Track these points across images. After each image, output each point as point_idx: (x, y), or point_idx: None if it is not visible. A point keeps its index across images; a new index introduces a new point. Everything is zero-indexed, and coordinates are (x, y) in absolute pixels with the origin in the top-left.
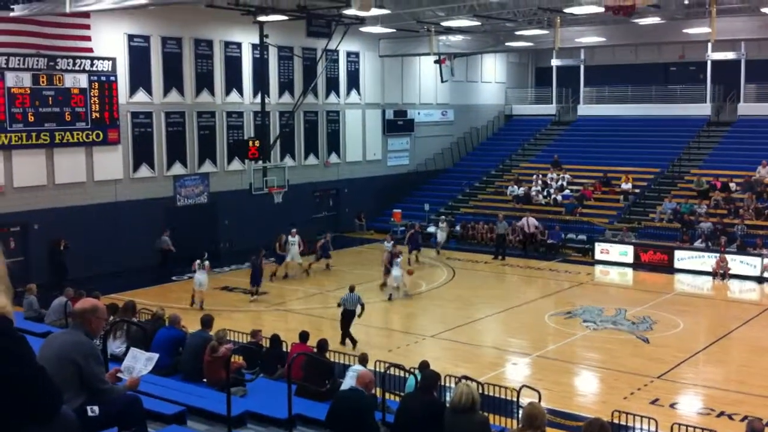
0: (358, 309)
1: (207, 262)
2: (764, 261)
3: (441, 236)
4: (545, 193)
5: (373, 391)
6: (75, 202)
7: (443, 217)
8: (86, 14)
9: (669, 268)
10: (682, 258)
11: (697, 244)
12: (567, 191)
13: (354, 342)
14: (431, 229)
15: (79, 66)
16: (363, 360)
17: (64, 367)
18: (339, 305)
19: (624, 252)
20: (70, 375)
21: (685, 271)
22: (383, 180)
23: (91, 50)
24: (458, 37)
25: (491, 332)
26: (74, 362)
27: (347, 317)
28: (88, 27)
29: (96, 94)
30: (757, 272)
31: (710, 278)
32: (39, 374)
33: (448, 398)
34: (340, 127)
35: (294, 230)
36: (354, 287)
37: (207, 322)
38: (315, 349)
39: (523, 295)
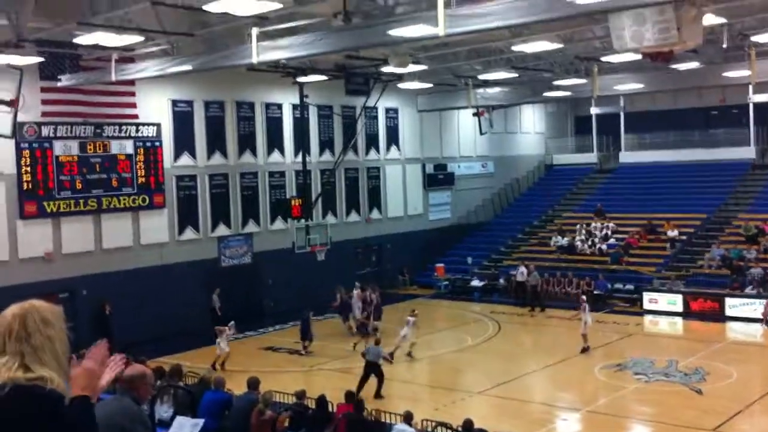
0: (381, 362)
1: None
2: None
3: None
4: (590, 243)
5: None
6: (122, 267)
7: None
8: (131, 82)
9: (720, 316)
10: (733, 305)
11: (748, 290)
12: (612, 240)
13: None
14: (475, 282)
15: (125, 132)
16: (408, 418)
17: None
18: (363, 355)
19: (673, 301)
20: None
21: (737, 318)
22: (425, 234)
23: (136, 116)
24: (496, 89)
25: (539, 387)
26: (123, 429)
27: (369, 369)
28: (133, 94)
29: (141, 159)
30: None
31: (762, 325)
32: None
33: None
34: (380, 182)
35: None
36: (379, 341)
37: (253, 384)
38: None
39: (571, 348)
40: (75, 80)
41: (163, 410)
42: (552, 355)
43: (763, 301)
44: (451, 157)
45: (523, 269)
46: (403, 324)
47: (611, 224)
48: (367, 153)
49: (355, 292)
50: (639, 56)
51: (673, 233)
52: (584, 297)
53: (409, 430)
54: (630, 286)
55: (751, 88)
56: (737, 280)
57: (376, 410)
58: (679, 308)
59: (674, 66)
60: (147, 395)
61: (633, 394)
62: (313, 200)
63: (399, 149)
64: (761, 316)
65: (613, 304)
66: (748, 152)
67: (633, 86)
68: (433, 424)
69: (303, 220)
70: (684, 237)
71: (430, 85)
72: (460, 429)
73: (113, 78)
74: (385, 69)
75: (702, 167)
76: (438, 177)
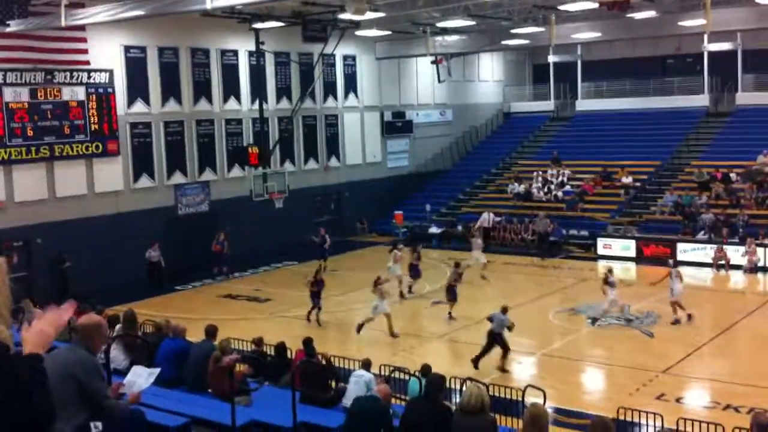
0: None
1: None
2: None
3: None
4: (546, 190)
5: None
6: (76, 215)
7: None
8: (82, 27)
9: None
10: (685, 250)
11: (700, 236)
12: (568, 187)
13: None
14: (433, 229)
15: (77, 79)
16: (366, 365)
17: (67, 384)
18: (489, 320)
19: (626, 246)
20: (73, 392)
21: (688, 263)
22: (384, 182)
23: (88, 63)
24: (454, 37)
25: None
26: (76, 379)
27: (493, 338)
28: (84, 40)
29: (94, 107)
30: (760, 263)
31: (712, 270)
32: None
33: (454, 400)
34: (338, 130)
35: (401, 246)
36: (506, 308)
37: (211, 332)
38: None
39: (527, 293)
40: (24, 25)
41: (119, 359)
42: (508, 300)
43: (714, 246)
44: (409, 104)
45: (492, 215)
46: (604, 288)
47: (567, 171)
48: (324, 100)
49: (395, 252)
50: (596, 5)
51: (627, 180)
52: (671, 261)
53: (367, 375)
54: (585, 233)
55: (706, 36)
56: (689, 226)
57: (323, 354)
58: (633, 254)
59: (631, 15)
60: (101, 346)
61: (586, 338)
62: (271, 148)
63: (357, 97)
64: (711, 261)
65: (568, 250)
66: (702, 100)
67: (590, 35)
68: (391, 369)
69: (260, 168)
70: (638, 184)
71: (389, 33)
72: (417, 373)
73: (63, 23)
74: (343, 16)
75: (657, 115)
76: (396, 125)
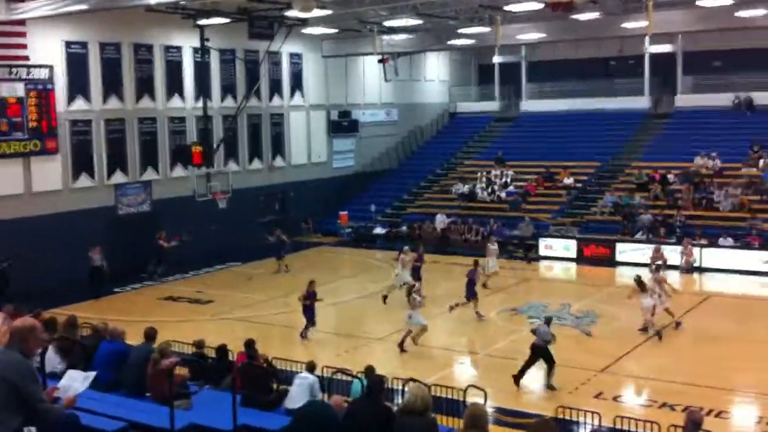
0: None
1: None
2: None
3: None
4: (489, 191)
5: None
6: (12, 215)
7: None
8: (22, 21)
9: (611, 261)
10: (624, 251)
11: (638, 236)
12: (511, 188)
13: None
14: (378, 230)
15: (15, 74)
16: (310, 367)
17: (0, 387)
18: (533, 332)
19: (567, 246)
20: (7, 395)
21: (627, 263)
22: (329, 182)
23: (27, 58)
24: (401, 36)
25: (438, 332)
26: (11, 382)
27: (536, 352)
28: (24, 35)
29: (33, 103)
30: (696, 263)
31: (650, 270)
32: None
33: (396, 400)
34: (284, 129)
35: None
36: (550, 320)
37: (150, 334)
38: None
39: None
40: None
41: (55, 362)
42: (451, 300)
43: (652, 246)
44: (355, 104)
45: (443, 217)
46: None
47: (511, 172)
48: (270, 99)
49: (402, 256)
50: (541, 6)
51: (568, 180)
52: (653, 267)
53: (311, 378)
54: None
55: (647, 39)
56: (627, 227)
57: (263, 356)
58: (573, 254)
59: (575, 16)
60: (36, 349)
61: (527, 338)
62: (215, 147)
63: (303, 95)
64: (649, 261)
65: (510, 250)
66: (643, 102)
67: (535, 35)
68: (334, 370)
69: (204, 168)
70: (579, 184)
71: (335, 31)
72: (359, 375)
73: (2, 17)
74: (290, 13)
75: (599, 116)
76: (342, 124)
